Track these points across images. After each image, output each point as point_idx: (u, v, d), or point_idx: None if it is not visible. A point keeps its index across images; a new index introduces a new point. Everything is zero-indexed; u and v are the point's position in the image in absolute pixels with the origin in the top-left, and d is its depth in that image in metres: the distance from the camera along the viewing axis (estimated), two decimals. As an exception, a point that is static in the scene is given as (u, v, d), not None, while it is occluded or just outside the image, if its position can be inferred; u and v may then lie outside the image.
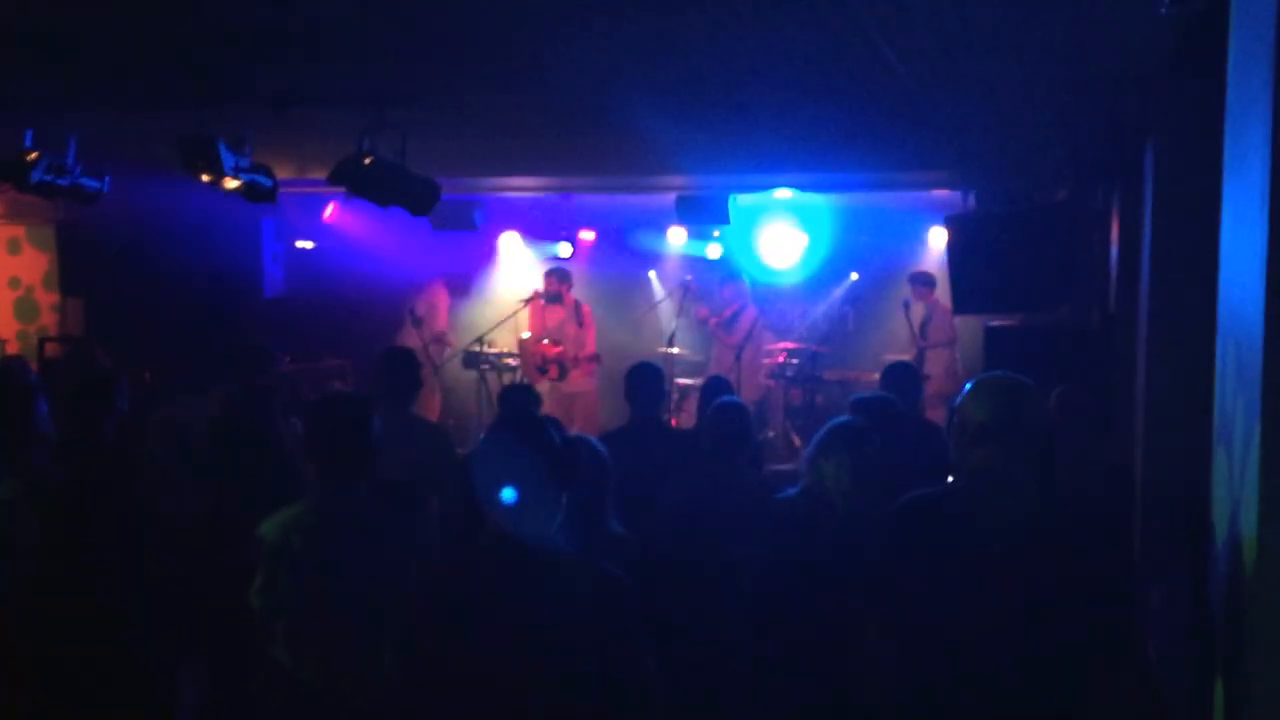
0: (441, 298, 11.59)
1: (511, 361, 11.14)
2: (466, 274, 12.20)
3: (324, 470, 3.59)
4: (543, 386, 10.40)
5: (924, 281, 10.82)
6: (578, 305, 10.80)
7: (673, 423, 10.13)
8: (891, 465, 4.72)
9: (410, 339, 11.02)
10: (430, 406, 11.14)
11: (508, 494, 2.83)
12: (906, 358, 9.05)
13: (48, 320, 11.93)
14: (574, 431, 4.77)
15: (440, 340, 11.32)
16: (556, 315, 10.78)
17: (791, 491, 4.38)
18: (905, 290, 10.89)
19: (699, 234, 11.73)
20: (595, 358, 10.69)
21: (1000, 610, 2.99)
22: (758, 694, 4.20)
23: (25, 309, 11.93)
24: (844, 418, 4.57)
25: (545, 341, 10.72)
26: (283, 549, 3.49)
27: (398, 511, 3.76)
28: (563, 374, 10.59)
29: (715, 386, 6.22)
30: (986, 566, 3.02)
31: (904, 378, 6.19)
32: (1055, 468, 3.17)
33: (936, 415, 8.36)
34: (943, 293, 10.51)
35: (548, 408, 10.31)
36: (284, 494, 3.76)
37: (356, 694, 3.33)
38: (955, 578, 3.05)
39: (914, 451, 5.06)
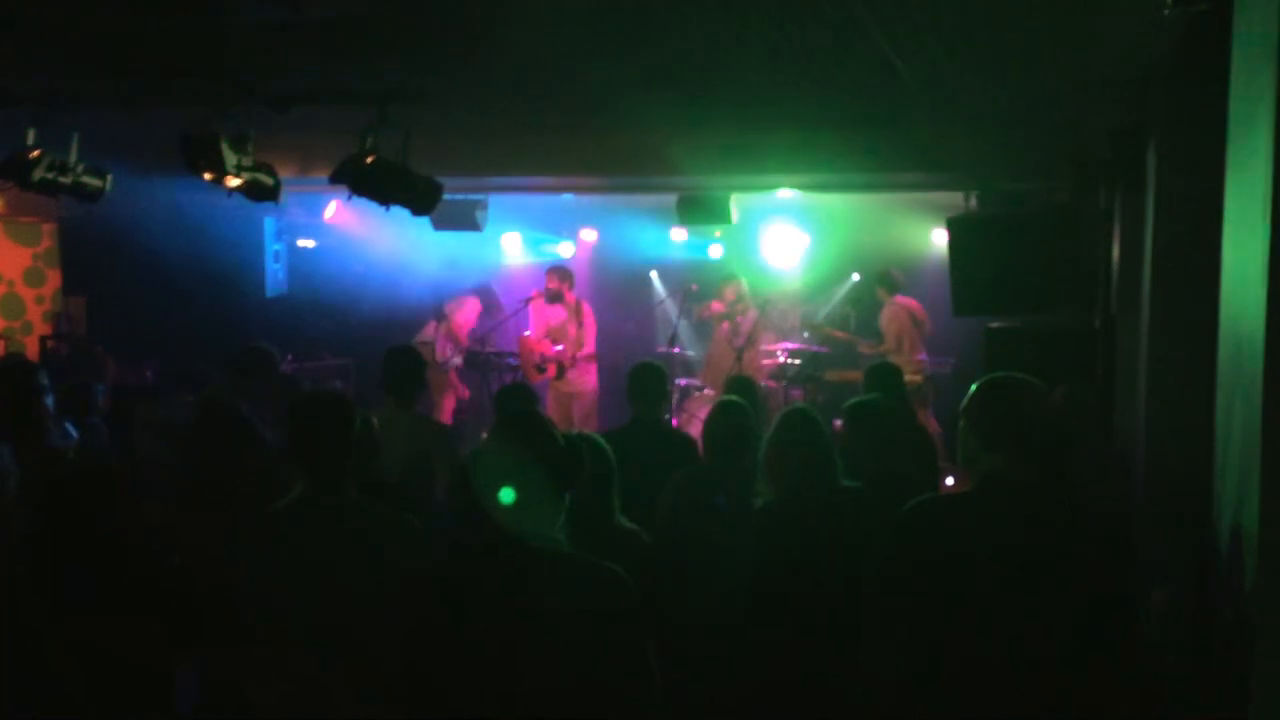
0: (473, 309, 11.60)
1: (513, 361, 11.15)
2: (494, 289, 12.20)
3: (307, 471, 3.57)
4: (541, 386, 10.42)
5: (881, 281, 10.87)
6: (578, 304, 10.80)
7: (674, 423, 10.13)
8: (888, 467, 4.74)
9: (430, 331, 11.10)
10: (444, 406, 11.21)
11: (509, 494, 2.83)
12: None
13: (33, 315, 11.97)
14: (573, 431, 4.77)
15: (459, 338, 11.36)
16: (557, 314, 10.78)
17: (764, 502, 4.43)
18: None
19: (701, 234, 11.73)
20: (593, 356, 10.70)
21: (1005, 612, 2.99)
22: (759, 693, 4.20)
23: (10, 306, 11.97)
24: (792, 406, 4.62)
25: (545, 340, 10.74)
26: (271, 548, 3.49)
27: (389, 511, 3.74)
28: (560, 373, 10.59)
29: (736, 387, 6.18)
30: (994, 569, 3.02)
31: (886, 377, 6.20)
32: (1064, 469, 3.16)
33: None
34: (931, 296, 10.65)
35: (547, 407, 10.33)
36: (269, 493, 3.75)
37: (350, 694, 3.33)
38: (963, 581, 3.04)
39: (908, 453, 5.08)
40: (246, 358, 6.46)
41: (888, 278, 10.82)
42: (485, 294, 11.87)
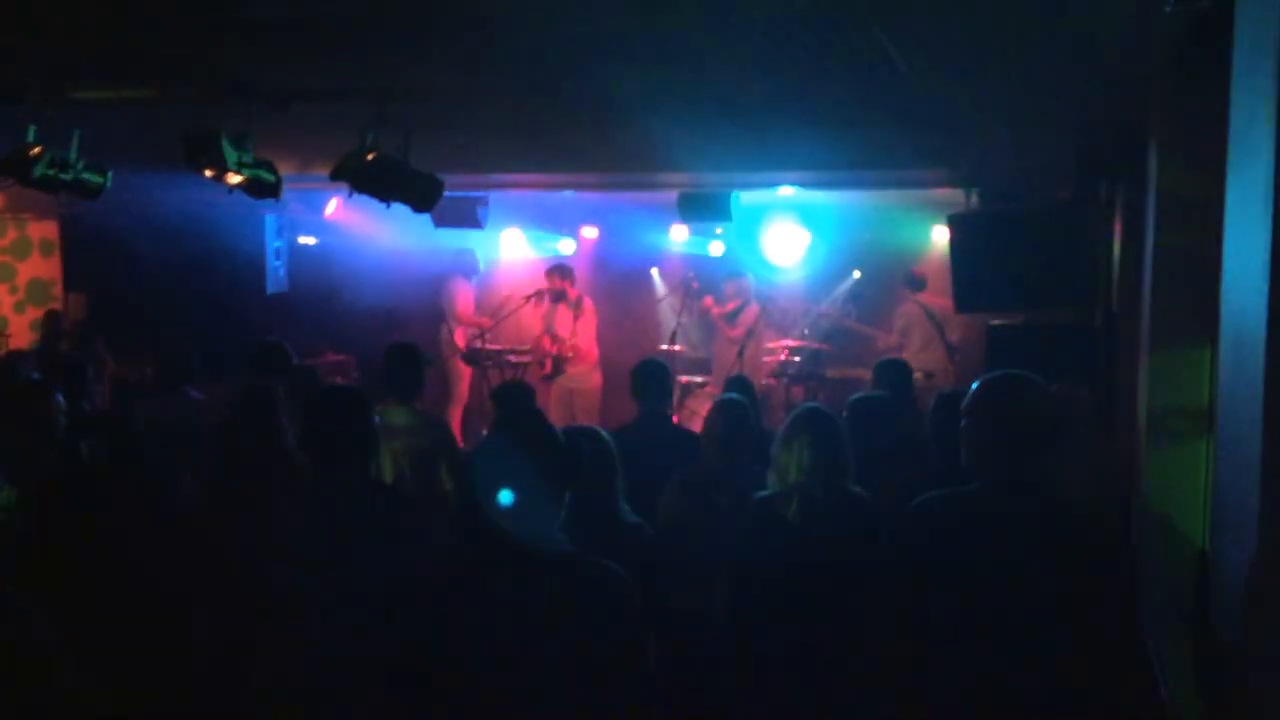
0: (462, 289, 11.63)
1: (513, 358, 11.16)
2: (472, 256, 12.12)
3: (321, 464, 3.59)
4: (546, 383, 10.43)
5: (903, 278, 10.96)
6: (579, 299, 10.82)
7: (674, 420, 10.12)
8: (888, 458, 4.72)
9: (446, 333, 11.11)
10: (459, 396, 11.23)
11: (508, 494, 2.83)
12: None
13: (6, 309, 12.00)
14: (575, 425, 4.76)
15: (471, 322, 11.39)
16: (558, 311, 10.79)
17: (767, 493, 4.35)
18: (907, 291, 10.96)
19: (701, 231, 11.73)
20: (591, 344, 10.70)
21: (1006, 610, 2.99)
22: (758, 693, 4.20)
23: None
24: (809, 404, 4.56)
25: (545, 336, 10.75)
26: (277, 541, 3.50)
27: (396, 507, 3.75)
28: (557, 369, 10.59)
29: (735, 387, 6.17)
30: (997, 567, 3.02)
31: (895, 374, 6.19)
32: (1065, 467, 3.16)
33: None
34: (932, 294, 10.68)
35: (549, 403, 10.33)
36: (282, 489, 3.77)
37: (352, 690, 3.33)
38: (968, 578, 3.04)
39: (917, 448, 5.07)
40: (262, 353, 6.43)
41: (907, 275, 10.88)
42: (467, 266, 11.79)
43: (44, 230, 12.23)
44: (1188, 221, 4.81)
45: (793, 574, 4.11)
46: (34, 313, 11.93)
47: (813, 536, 4.11)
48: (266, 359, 6.36)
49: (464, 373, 11.37)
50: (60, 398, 4.69)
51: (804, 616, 4.06)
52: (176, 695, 3.61)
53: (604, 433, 4.11)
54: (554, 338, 10.70)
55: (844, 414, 5.06)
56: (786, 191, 10.12)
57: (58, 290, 12.21)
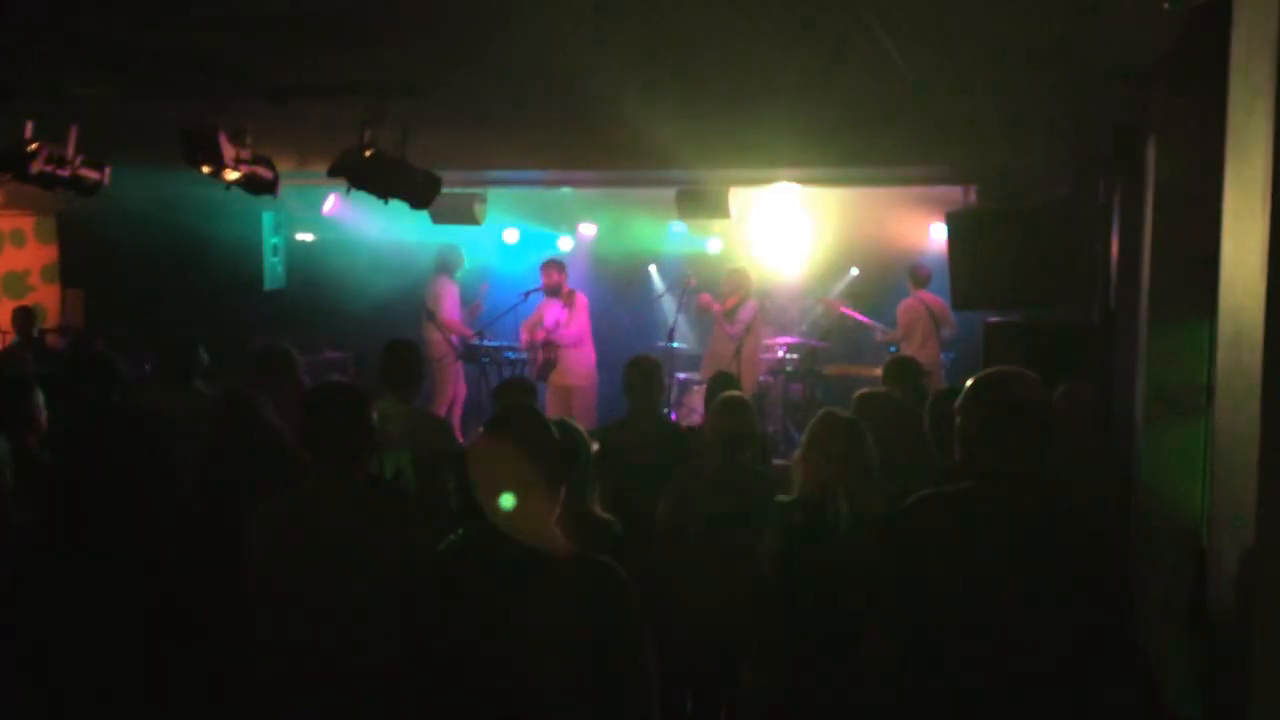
0: (447, 288, 11.55)
1: (511, 355, 11.15)
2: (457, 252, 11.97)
3: (320, 460, 3.58)
4: (539, 381, 10.42)
5: (909, 274, 10.95)
6: (572, 293, 10.82)
7: (673, 417, 10.13)
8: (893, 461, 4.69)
9: (431, 334, 11.04)
10: (447, 397, 11.18)
11: (506, 495, 2.82)
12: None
13: None
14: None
15: (454, 329, 11.32)
16: (554, 307, 10.79)
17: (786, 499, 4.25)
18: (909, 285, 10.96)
19: (700, 228, 11.72)
20: (582, 337, 10.68)
21: (1003, 609, 2.99)
22: (759, 690, 4.19)
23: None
24: (829, 410, 4.41)
25: (538, 332, 10.75)
26: (277, 540, 3.49)
27: (395, 505, 3.74)
28: (549, 364, 10.58)
29: (721, 383, 6.18)
30: (992, 565, 3.01)
31: (904, 372, 6.18)
32: (1055, 463, 3.15)
33: None
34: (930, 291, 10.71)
35: (546, 401, 10.32)
36: (278, 484, 3.76)
37: (349, 687, 3.33)
38: (962, 577, 3.03)
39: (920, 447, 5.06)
40: (268, 356, 6.19)
41: (913, 271, 10.87)
42: (451, 263, 11.62)
43: (15, 223, 12.15)
44: (1186, 217, 4.81)
45: (803, 582, 4.05)
46: (10, 304, 11.91)
47: (826, 546, 4.03)
48: (272, 362, 5.74)
49: (450, 374, 11.31)
50: (41, 395, 4.70)
51: (813, 623, 4.02)
52: (175, 693, 3.60)
53: (572, 423, 4.06)
54: (543, 329, 10.66)
55: (848, 411, 5.05)
56: (785, 188, 10.12)
57: (33, 280, 12.16)
